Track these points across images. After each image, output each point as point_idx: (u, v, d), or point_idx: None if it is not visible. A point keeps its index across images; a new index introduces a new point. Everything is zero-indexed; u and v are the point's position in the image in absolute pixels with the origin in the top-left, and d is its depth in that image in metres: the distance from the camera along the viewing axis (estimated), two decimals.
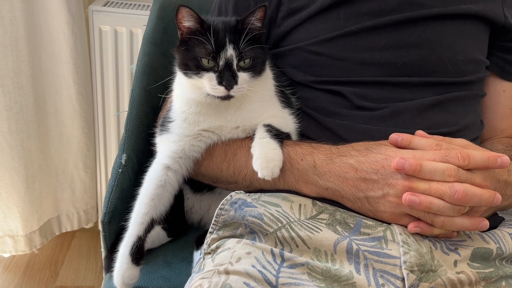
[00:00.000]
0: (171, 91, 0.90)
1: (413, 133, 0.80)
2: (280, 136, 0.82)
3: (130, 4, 1.60)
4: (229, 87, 0.76)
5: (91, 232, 1.90)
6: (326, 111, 0.89)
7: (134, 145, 1.02)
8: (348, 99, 0.88)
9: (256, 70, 0.79)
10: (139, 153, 1.02)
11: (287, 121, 0.88)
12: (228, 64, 0.76)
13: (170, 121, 0.86)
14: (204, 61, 0.77)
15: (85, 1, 1.59)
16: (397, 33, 0.87)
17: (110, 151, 1.76)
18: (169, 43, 1.02)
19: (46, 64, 1.49)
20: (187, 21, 0.79)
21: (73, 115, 1.59)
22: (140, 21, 1.50)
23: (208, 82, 0.77)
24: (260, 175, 0.76)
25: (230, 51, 0.76)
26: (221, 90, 0.76)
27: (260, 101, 0.84)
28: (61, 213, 1.79)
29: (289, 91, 0.92)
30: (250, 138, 0.83)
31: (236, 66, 0.77)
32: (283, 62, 0.95)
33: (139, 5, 1.59)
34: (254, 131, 0.83)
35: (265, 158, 0.77)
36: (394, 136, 0.77)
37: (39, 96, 1.52)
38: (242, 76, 0.77)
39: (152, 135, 0.92)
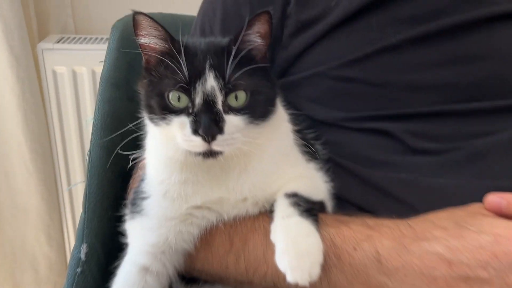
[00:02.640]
0: (142, 150, 0.70)
1: (510, 186, 0.59)
2: (313, 210, 0.60)
3: (90, 39, 1.41)
4: (208, 137, 0.55)
5: None
6: (369, 160, 0.72)
7: (98, 229, 0.81)
8: (399, 140, 0.71)
9: (256, 111, 0.58)
10: (105, 239, 0.81)
11: (316, 183, 0.68)
12: (209, 101, 0.56)
13: (144, 198, 0.65)
14: (173, 98, 0.57)
15: (33, 38, 1.43)
16: (455, 43, 0.71)
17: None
18: (137, 83, 0.80)
19: None
20: (148, 37, 0.59)
21: (27, 179, 1.43)
22: (103, 58, 1.27)
23: (179, 131, 0.57)
24: (290, 278, 0.54)
25: (210, 81, 0.55)
26: (197, 143, 0.56)
27: (276, 157, 0.65)
28: None
29: (311, 136, 0.74)
30: (266, 214, 0.64)
31: (222, 105, 0.56)
32: (297, 95, 0.78)
33: (101, 39, 1.41)
34: (272, 204, 0.63)
35: (295, 251, 0.55)
36: (493, 199, 0.56)
37: None
38: (232, 121, 0.57)
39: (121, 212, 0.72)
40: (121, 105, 0.89)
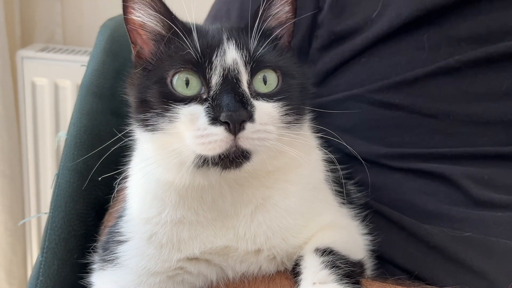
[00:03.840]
0: (125, 177, 0.57)
1: None
2: (353, 274, 0.48)
3: (79, 51, 1.32)
4: (235, 124, 0.43)
5: None
6: (418, 211, 0.62)
7: (57, 277, 0.67)
8: (459, 188, 0.61)
9: (292, 98, 0.49)
10: None
11: (354, 236, 0.57)
12: (231, 79, 0.46)
13: (120, 241, 0.53)
14: (179, 83, 0.46)
15: (14, 44, 1.34)
16: None
17: None
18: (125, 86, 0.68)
19: None
20: (144, 12, 0.48)
21: None
22: None
23: (189, 128, 0.45)
24: None
25: (231, 53, 0.47)
26: (218, 137, 0.44)
27: (304, 192, 0.53)
28: None
29: (341, 173, 0.63)
30: (286, 274, 0.52)
31: (248, 87, 0.47)
32: (325, 122, 0.67)
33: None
34: (295, 260, 0.51)
35: None
36: None
37: None
38: (264, 107, 0.46)
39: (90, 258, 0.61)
40: (102, 120, 0.77)
